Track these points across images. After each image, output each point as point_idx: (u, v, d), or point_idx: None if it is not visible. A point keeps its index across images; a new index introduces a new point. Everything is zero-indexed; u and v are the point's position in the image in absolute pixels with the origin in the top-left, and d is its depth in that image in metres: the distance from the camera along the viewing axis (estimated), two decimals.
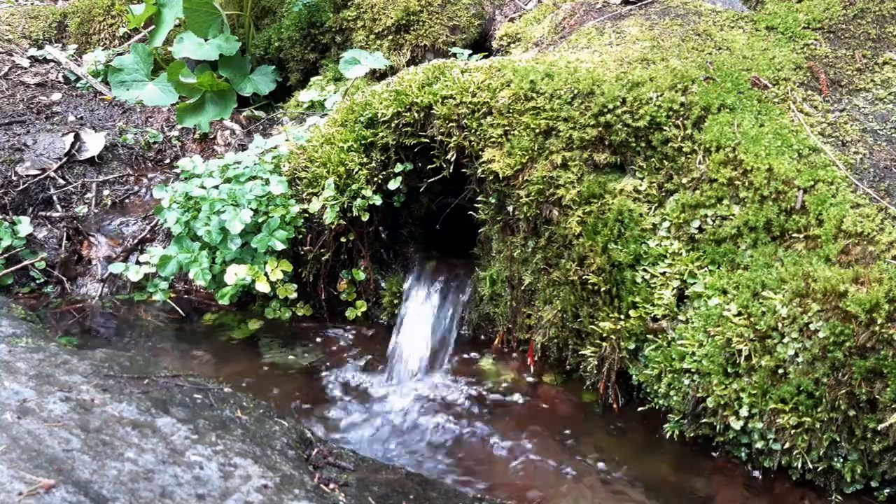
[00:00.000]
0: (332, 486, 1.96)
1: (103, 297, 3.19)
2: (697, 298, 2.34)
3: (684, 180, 2.48)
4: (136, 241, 3.28)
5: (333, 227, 2.94)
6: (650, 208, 2.51)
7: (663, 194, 2.51)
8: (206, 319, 3.10)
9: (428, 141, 2.86)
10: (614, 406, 2.60)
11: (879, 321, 2.02)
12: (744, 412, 2.21)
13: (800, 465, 2.19)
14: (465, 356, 2.89)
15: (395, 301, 3.04)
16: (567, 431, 2.54)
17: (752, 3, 3.24)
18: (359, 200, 2.91)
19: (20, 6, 4.81)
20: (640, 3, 3.20)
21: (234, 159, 3.16)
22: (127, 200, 3.47)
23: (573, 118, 2.59)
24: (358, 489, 1.98)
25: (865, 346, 2.05)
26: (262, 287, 2.92)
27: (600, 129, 2.56)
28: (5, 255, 3.14)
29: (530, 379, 2.77)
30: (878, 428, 2.07)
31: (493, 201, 2.75)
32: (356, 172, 2.92)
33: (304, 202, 2.98)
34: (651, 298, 2.41)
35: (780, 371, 2.16)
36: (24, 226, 3.19)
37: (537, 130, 2.61)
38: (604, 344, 2.51)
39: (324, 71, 3.99)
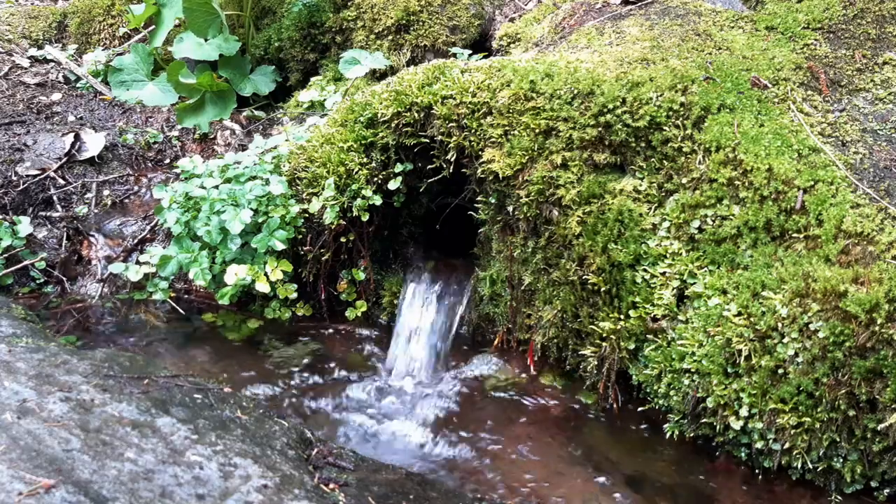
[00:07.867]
0: (332, 486, 1.96)
1: (103, 297, 3.19)
2: (697, 298, 2.35)
3: (684, 180, 2.48)
4: (136, 241, 3.28)
5: (333, 227, 2.94)
6: (650, 208, 2.51)
7: (663, 194, 2.51)
8: (206, 319, 3.10)
9: (428, 141, 2.86)
10: (614, 406, 2.60)
11: (879, 321, 2.02)
12: (744, 412, 2.21)
13: (800, 465, 2.19)
14: (465, 356, 2.89)
15: (395, 301, 3.04)
16: (567, 431, 2.54)
17: (752, 3, 3.24)
18: (359, 200, 2.91)
19: (20, 6, 4.81)
20: (640, 3, 3.20)
21: (234, 159, 3.16)
22: (127, 200, 3.47)
23: (573, 118, 2.59)
24: (358, 489, 1.98)
25: (865, 346, 2.05)
26: (262, 287, 2.92)
27: (600, 129, 2.56)
28: (5, 255, 3.14)
29: (530, 379, 2.77)
30: (878, 428, 2.07)
31: (493, 201, 2.75)
32: (356, 172, 2.92)
33: (304, 202, 2.98)
34: (651, 298, 2.41)
35: (780, 371, 2.16)
36: (24, 226, 3.19)
37: (537, 130, 2.61)
38: (604, 344, 2.51)
39: (324, 71, 3.99)
